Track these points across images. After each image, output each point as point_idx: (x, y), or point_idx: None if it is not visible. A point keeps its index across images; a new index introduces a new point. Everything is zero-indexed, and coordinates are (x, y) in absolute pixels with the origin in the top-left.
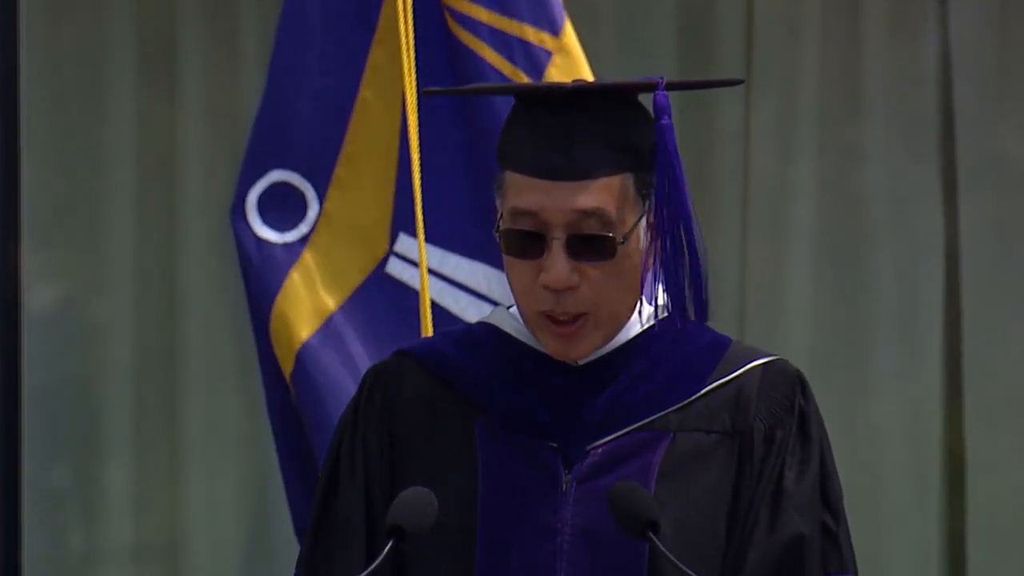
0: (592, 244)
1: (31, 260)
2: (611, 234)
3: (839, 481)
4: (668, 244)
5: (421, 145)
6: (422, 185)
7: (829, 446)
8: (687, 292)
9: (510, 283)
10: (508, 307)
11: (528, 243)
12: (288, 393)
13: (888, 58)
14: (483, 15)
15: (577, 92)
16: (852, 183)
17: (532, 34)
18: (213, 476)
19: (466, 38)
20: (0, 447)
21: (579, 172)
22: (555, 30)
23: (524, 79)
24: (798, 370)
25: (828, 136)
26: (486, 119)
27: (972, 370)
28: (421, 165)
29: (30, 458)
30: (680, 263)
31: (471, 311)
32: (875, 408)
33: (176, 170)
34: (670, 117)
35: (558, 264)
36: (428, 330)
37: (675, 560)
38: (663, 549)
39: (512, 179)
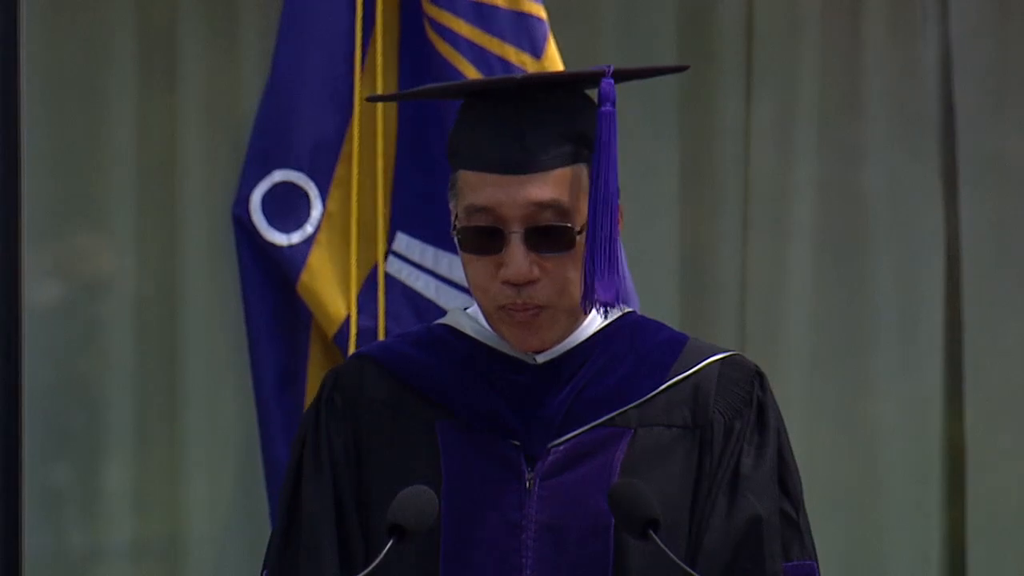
0: (550, 236)
1: (31, 259)
2: (568, 224)
3: (798, 472)
4: (596, 230)
5: (415, 142)
6: (413, 181)
7: (787, 438)
8: (609, 279)
9: (468, 281)
10: (464, 308)
11: (486, 239)
12: (282, 398)
13: (888, 58)
14: (464, 29)
15: (526, 85)
16: (852, 182)
17: (513, 54)
18: (213, 476)
19: (444, 50)
20: (0, 446)
21: (533, 164)
22: (536, 52)
23: None
24: (755, 365)
25: (828, 135)
26: None
27: (972, 369)
28: (413, 161)
29: (30, 456)
30: (604, 250)
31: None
32: (875, 407)
33: (176, 170)
34: (613, 105)
35: (518, 258)
36: None
37: (677, 559)
38: (664, 548)
39: (466, 177)
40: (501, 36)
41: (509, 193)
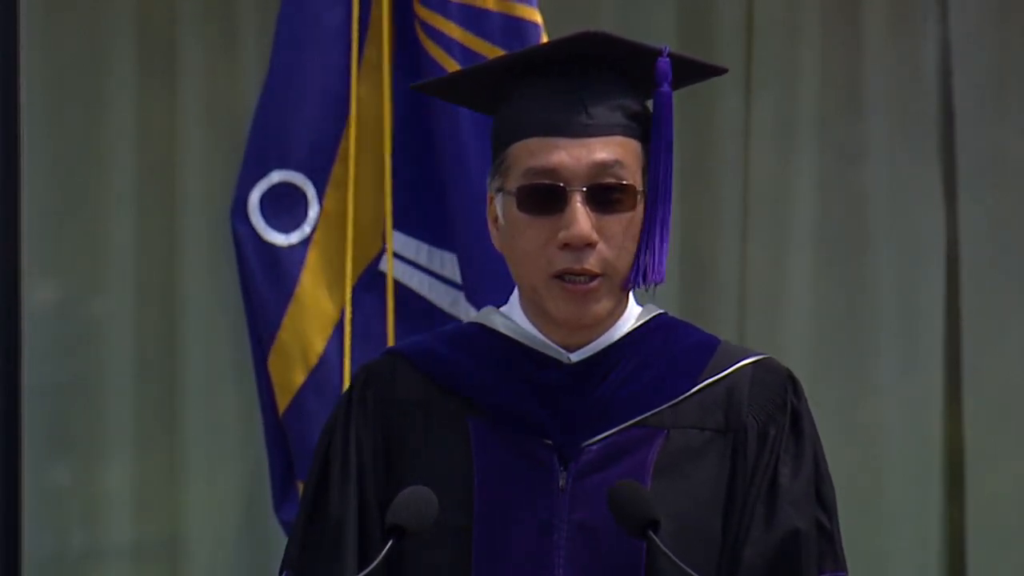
0: (613, 195)
1: (31, 259)
2: (630, 182)
3: (831, 480)
4: (656, 210)
5: (405, 138)
6: (400, 177)
7: (821, 445)
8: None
9: (517, 252)
10: (497, 308)
11: (546, 199)
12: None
13: (888, 58)
14: (455, 32)
15: (586, 41)
16: (852, 183)
17: None
18: (213, 476)
19: (436, 53)
20: (0, 446)
21: (595, 129)
22: None
23: None
24: (788, 369)
25: (828, 135)
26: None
27: (972, 369)
28: (401, 156)
29: (30, 457)
30: (659, 231)
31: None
32: (875, 407)
33: (176, 170)
34: (670, 85)
35: (580, 218)
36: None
37: (676, 559)
38: (664, 548)
39: (522, 146)
40: (491, 39)
41: (573, 154)
